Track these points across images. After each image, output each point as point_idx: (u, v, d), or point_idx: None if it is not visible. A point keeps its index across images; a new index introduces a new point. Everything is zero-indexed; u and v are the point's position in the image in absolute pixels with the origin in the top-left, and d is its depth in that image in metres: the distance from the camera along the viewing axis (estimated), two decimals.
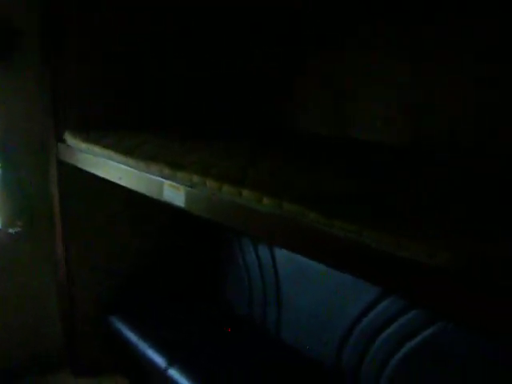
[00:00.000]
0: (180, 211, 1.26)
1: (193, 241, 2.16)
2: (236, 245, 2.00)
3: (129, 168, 1.39)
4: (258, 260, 1.93)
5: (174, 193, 1.23)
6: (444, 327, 1.47)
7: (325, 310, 1.73)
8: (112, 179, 1.48)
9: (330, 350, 1.71)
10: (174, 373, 1.63)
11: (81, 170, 1.65)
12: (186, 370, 1.64)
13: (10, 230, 1.85)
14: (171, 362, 1.67)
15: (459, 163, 1.41)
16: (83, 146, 1.60)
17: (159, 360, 1.69)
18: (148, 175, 1.31)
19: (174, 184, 1.23)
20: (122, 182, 1.44)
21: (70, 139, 1.68)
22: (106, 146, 1.50)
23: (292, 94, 1.88)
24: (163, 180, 1.26)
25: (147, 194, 1.32)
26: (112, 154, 1.46)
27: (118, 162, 1.44)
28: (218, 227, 2.09)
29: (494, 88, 1.33)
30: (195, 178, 1.18)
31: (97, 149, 1.53)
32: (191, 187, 1.19)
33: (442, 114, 1.48)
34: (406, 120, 1.58)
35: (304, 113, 1.87)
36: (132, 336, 1.81)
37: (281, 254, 1.86)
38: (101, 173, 1.54)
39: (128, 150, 1.43)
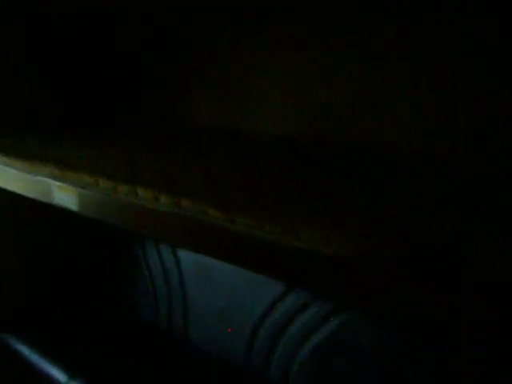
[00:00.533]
0: (74, 215, 1.18)
1: (91, 245, 2.06)
2: (138, 248, 1.93)
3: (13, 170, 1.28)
4: (161, 262, 1.87)
5: (65, 195, 1.15)
6: (348, 318, 1.51)
7: (232, 309, 1.72)
8: None
9: (238, 349, 1.69)
10: None
11: None
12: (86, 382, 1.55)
13: None
14: (71, 376, 1.57)
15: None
16: None
17: (59, 376, 1.59)
18: (35, 177, 1.21)
19: (64, 186, 1.15)
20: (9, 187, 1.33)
21: None
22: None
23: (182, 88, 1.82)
24: (52, 182, 1.17)
25: (36, 197, 1.22)
26: None
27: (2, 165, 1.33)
28: (118, 230, 2.01)
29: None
30: (87, 178, 1.10)
31: None
32: (83, 188, 1.11)
33: (340, 107, 1.48)
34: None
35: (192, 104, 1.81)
36: (27, 352, 1.69)
37: (185, 254, 1.82)
38: None
39: (10, 150, 1.32)
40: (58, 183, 1.16)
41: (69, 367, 1.61)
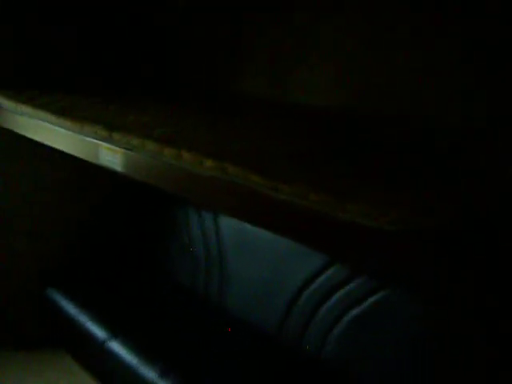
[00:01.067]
0: (120, 177, 1.19)
1: (135, 209, 2.09)
2: (181, 214, 1.94)
3: (63, 130, 1.29)
4: (202, 229, 1.88)
5: (111, 156, 1.16)
6: (387, 296, 1.48)
7: (269, 279, 1.71)
8: (46, 142, 1.39)
9: (274, 318, 1.69)
10: (114, 345, 1.58)
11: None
12: (126, 342, 1.58)
13: None
14: (112, 334, 1.61)
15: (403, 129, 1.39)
16: (11, 105, 1.49)
17: (99, 333, 1.63)
18: (83, 137, 1.23)
19: (111, 147, 1.15)
20: (57, 145, 1.35)
21: None
22: (38, 107, 1.40)
23: (231, 56, 1.79)
24: (99, 142, 1.18)
25: (83, 157, 1.24)
26: (45, 115, 1.36)
27: (52, 124, 1.34)
28: (162, 195, 2.03)
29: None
30: (134, 141, 1.10)
31: (28, 109, 1.42)
32: (130, 150, 1.11)
33: (389, 78, 1.44)
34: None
35: (245, 76, 1.79)
36: (72, 309, 1.74)
37: (225, 222, 1.82)
38: (33, 135, 1.44)
39: (61, 111, 1.34)
40: (104, 144, 1.17)
41: (109, 326, 1.65)
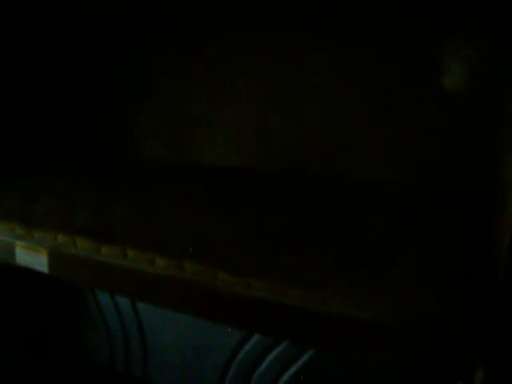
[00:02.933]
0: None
1: (38, 298, 1.89)
2: (88, 294, 1.80)
3: None
4: (115, 305, 1.75)
5: (32, 256, 1.03)
6: (311, 359, 1.49)
7: (193, 355, 1.64)
8: None
9: None
10: None
11: None
12: None
13: None
14: None
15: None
16: None
17: None
18: None
19: (31, 246, 1.03)
20: None
21: None
22: None
23: (130, 119, 1.72)
24: (16, 241, 1.05)
25: None
26: None
27: None
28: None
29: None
30: (60, 238, 1.00)
31: None
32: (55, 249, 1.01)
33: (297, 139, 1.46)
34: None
35: (144, 139, 1.72)
36: None
37: None
38: None
39: None
40: (22, 243, 1.04)
41: None
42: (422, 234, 0.99)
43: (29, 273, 0.99)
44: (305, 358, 1.50)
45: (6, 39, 1.63)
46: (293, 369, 1.52)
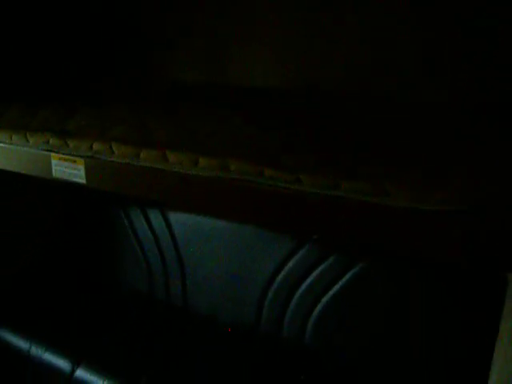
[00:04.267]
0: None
1: (71, 224, 1.89)
2: (123, 218, 1.78)
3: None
4: (151, 229, 1.74)
5: (68, 167, 0.99)
6: (362, 270, 1.45)
7: (235, 273, 1.62)
8: None
9: (247, 313, 1.61)
10: (82, 374, 1.42)
11: None
12: (94, 366, 1.43)
13: None
14: (75, 362, 1.44)
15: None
16: None
17: (60, 364, 1.45)
18: (29, 149, 1.05)
19: (67, 157, 0.99)
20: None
21: None
22: None
23: (165, 44, 1.65)
24: (52, 154, 1.01)
25: (35, 173, 1.06)
26: None
27: None
28: (94, 201, 1.85)
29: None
30: (97, 146, 0.95)
31: None
32: (93, 158, 0.96)
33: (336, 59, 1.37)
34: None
35: (177, 61, 1.65)
36: (24, 345, 1.53)
37: (176, 218, 1.69)
38: None
39: None
40: (58, 154, 1.00)
41: (69, 353, 1.48)
42: (476, 145, 0.92)
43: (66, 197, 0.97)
44: (346, 278, 1.47)
45: None
46: (332, 291, 1.49)
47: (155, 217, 1.73)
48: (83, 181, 0.98)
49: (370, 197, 0.71)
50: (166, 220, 1.71)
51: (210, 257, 1.65)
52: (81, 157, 0.97)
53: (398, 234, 0.70)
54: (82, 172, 0.97)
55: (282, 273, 1.54)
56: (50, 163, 1.01)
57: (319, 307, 1.51)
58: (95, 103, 1.33)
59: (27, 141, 1.04)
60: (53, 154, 1.01)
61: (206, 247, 1.65)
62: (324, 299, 1.50)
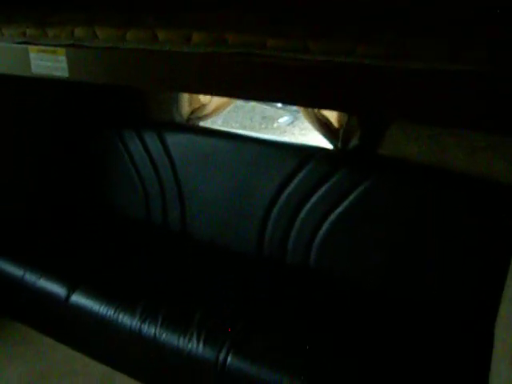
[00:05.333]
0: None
1: (64, 150, 1.80)
2: (117, 141, 1.69)
3: None
4: (148, 153, 1.65)
5: (49, 60, 0.89)
6: (371, 187, 1.37)
7: (237, 193, 1.54)
8: None
9: (250, 236, 1.53)
10: (79, 298, 1.36)
11: None
12: (90, 291, 1.37)
13: None
14: (72, 286, 1.38)
15: None
16: None
17: (57, 289, 1.39)
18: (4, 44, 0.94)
19: (46, 48, 0.89)
20: None
21: None
22: None
23: None
24: (30, 46, 0.91)
25: (11, 71, 0.96)
26: None
27: None
28: (91, 127, 1.76)
29: None
30: (78, 31, 0.85)
31: None
32: (74, 46, 0.86)
33: None
34: None
35: None
36: (18, 271, 1.47)
37: (172, 139, 1.60)
38: None
39: None
40: (36, 47, 0.90)
41: (66, 278, 1.42)
42: None
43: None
44: (354, 195, 1.39)
45: None
46: (340, 209, 1.42)
47: (151, 139, 1.63)
48: (65, 74, 0.88)
49: (387, 60, 0.62)
50: (163, 142, 1.61)
51: (209, 179, 1.56)
52: (61, 46, 0.87)
53: (416, 98, 0.61)
54: (64, 63, 0.87)
55: (286, 192, 1.46)
56: (27, 57, 0.91)
57: (325, 227, 1.44)
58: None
59: (2, 34, 0.94)
60: (30, 47, 0.91)
61: (205, 169, 1.56)
62: (330, 218, 1.42)
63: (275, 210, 1.49)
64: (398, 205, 1.37)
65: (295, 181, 1.45)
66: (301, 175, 1.45)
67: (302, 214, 1.46)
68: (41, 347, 1.55)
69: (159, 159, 1.62)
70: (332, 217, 1.42)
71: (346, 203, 1.40)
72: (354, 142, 1.46)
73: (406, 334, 1.21)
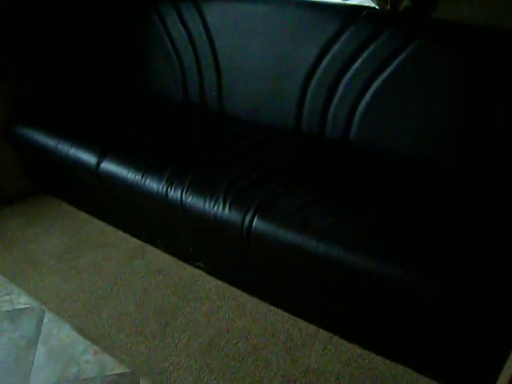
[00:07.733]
0: None
1: (102, 23, 1.73)
2: (153, 13, 1.59)
3: None
4: (184, 25, 1.55)
5: None
6: (420, 49, 1.22)
7: (276, 61, 1.41)
8: None
9: (287, 110, 1.43)
10: (109, 165, 1.32)
11: None
12: (119, 158, 1.33)
13: None
14: (102, 154, 1.35)
15: None
16: None
17: (86, 157, 1.36)
18: None
19: None
20: None
21: None
22: None
23: None
24: None
25: None
26: None
27: None
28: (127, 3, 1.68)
29: None
30: None
31: None
32: None
33: None
34: None
35: None
36: (51, 142, 1.45)
37: (210, 8, 1.49)
38: None
39: None
40: None
41: (96, 146, 1.38)
42: None
43: None
44: (400, 58, 1.25)
45: None
46: (384, 75, 1.28)
47: (188, 10, 1.53)
48: None
49: None
50: (199, 11, 1.50)
51: (246, 49, 1.45)
52: None
53: None
54: None
55: (327, 58, 1.32)
56: None
57: (368, 96, 1.30)
58: None
59: None
60: None
61: (243, 38, 1.45)
62: (374, 85, 1.28)
63: (315, 79, 1.37)
64: (451, 69, 1.21)
65: (337, 45, 1.33)
66: (344, 38, 1.31)
67: (344, 81, 1.33)
68: (78, 221, 1.59)
69: (196, 31, 1.53)
70: (376, 83, 1.29)
71: (392, 67, 1.26)
72: (405, 3, 1.31)
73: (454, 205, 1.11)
